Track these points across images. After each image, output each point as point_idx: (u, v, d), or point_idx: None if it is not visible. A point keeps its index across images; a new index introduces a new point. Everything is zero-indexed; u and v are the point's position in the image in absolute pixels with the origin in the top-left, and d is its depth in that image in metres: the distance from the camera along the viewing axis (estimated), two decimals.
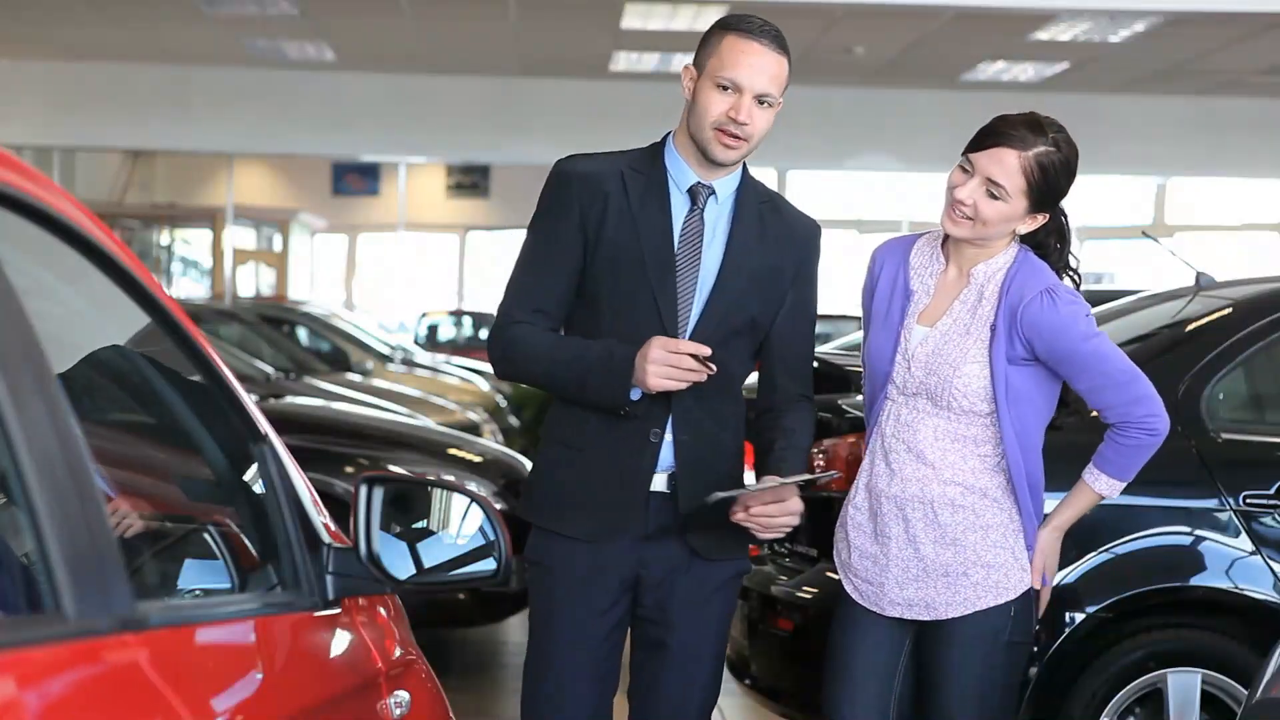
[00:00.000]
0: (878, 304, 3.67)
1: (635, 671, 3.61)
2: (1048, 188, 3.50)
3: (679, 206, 3.50)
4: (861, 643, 3.64)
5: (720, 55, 3.42)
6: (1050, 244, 3.63)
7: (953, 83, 17.70)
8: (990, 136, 3.51)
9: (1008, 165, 3.48)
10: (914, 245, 3.68)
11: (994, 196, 3.49)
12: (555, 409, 3.57)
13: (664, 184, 3.49)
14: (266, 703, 2.22)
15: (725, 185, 3.52)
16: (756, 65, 3.42)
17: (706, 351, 3.36)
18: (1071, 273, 3.65)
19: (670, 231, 3.47)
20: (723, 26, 3.47)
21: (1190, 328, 4.81)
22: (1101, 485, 3.62)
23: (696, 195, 3.50)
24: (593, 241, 3.46)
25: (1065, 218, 3.65)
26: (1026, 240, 3.62)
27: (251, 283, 26.66)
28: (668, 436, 3.48)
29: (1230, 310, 4.81)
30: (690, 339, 3.44)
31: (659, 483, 3.48)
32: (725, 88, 3.41)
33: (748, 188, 3.54)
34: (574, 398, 3.48)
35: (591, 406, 3.47)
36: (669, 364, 3.35)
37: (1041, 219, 3.56)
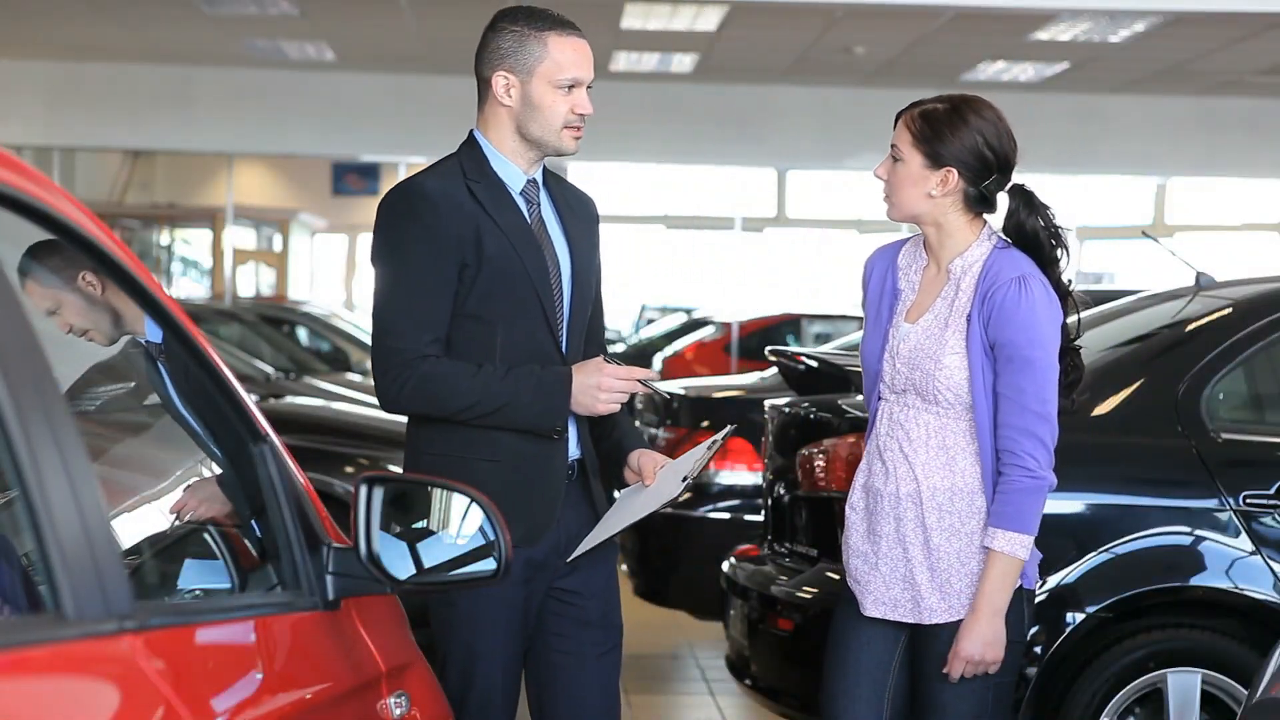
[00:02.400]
0: (869, 307, 3.72)
1: (556, 658, 3.61)
2: (934, 136, 3.56)
3: (522, 209, 3.58)
4: (855, 640, 3.67)
5: (553, 58, 3.53)
6: (1024, 230, 3.61)
7: (953, 83, 17.69)
8: None
9: (899, 126, 3.63)
10: (902, 248, 3.73)
11: (895, 159, 3.61)
12: (452, 430, 3.51)
13: (505, 189, 3.57)
14: (266, 703, 2.22)
15: (538, 174, 3.64)
16: (586, 59, 3.57)
17: (652, 375, 3.58)
18: (1057, 244, 3.61)
19: (534, 237, 3.56)
20: (535, 28, 3.54)
21: (1190, 328, 4.81)
22: (1000, 543, 3.49)
23: (529, 195, 3.60)
24: (475, 264, 3.48)
25: (1046, 210, 3.63)
26: (1014, 233, 3.62)
27: (251, 283, 26.65)
28: (570, 431, 3.60)
29: (1230, 310, 4.81)
30: (566, 334, 3.59)
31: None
32: (567, 88, 3.53)
33: (544, 171, 3.67)
34: (499, 425, 3.50)
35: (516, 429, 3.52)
36: (621, 390, 3.51)
37: (950, 177, 3.56)
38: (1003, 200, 3.66)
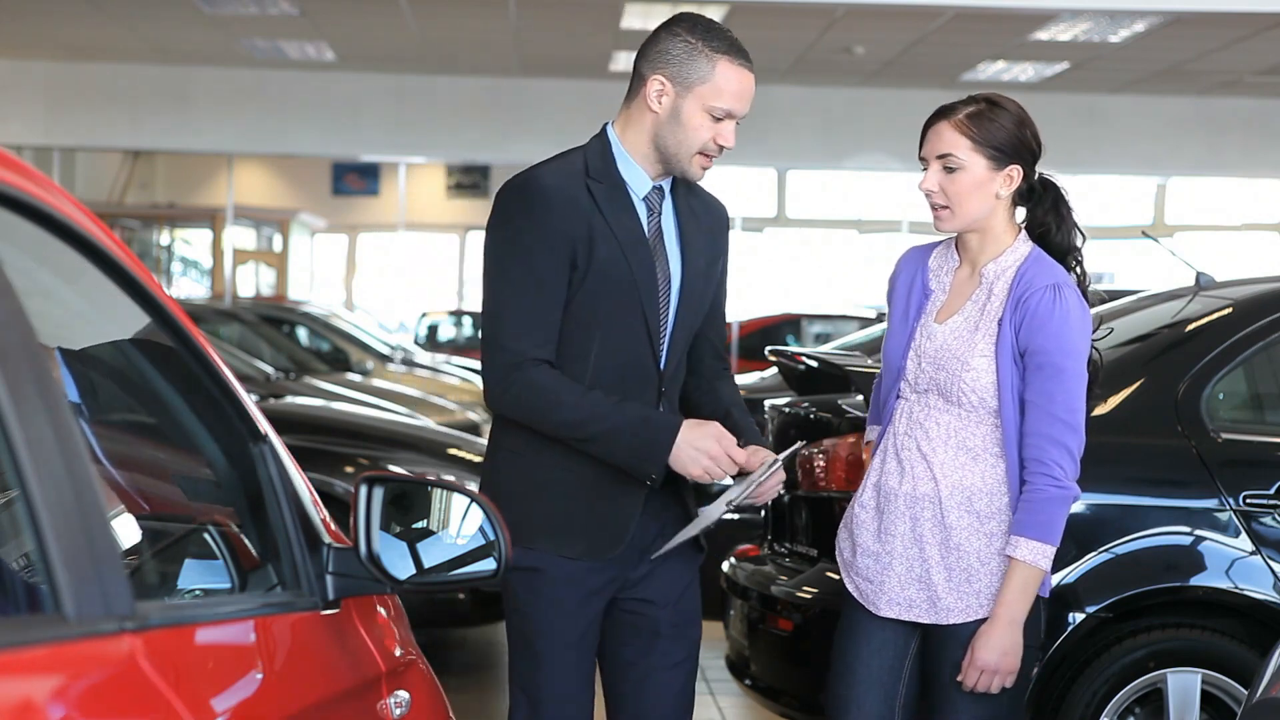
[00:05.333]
0: (896, 304, 3.69)
1: (624, 668, 3.56)
2: (993, 135, 3.53)
3: (641, 215, 3.48)
4: (866, 646, 3.63)
5: (717, 83, 3.41)
6: (1048, 222, 3.61)
7: (953, 83, 17.70)
8: (924, 128, 3.60)
9: (945, 135, 3.56)
10: (934, 250, 3.72)
11: (951, 169, 3.55)
12: (531, 433, 3.45)
13: (626, 193, 3.46)
14: (266, 703, 2.22)
15: (666, 182, 3.53)
16: (748, 94, 3.45)
17: (778, 465, 3.39)
18: (1077, 262, 3.62)
19: (648, 246, 3.46)
20: (710, 46, 3.42)
21: (1190, 328, 4.81)
22: (1024, 552, 3.48)
23: (651, 202, 3.50)
24: (584, 266, 3.39)
25: (1060, 191, 3.63)
26: (1035, 228, 3.61)
27: (251, 283, 26.67)
28: None
29: (1230, 310, 4.81)
30: (667, 349, 3.48)
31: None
32: (719, 116, 3.42)
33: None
34: (591, 452, 3.40)
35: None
36: (731, 470, 3.38)
37: (1015, 174, 3.55)
38: None
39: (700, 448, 3.38)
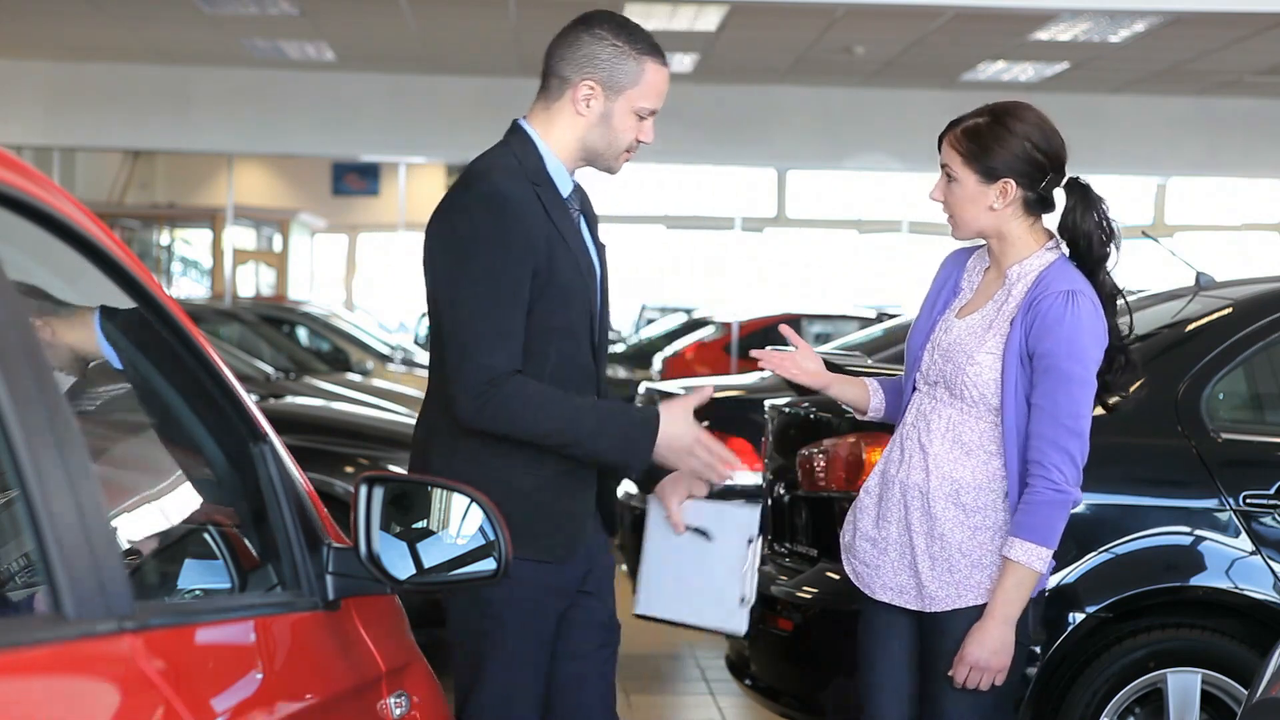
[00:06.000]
0: (927, 299, 3.75)
1: (564, 662, 3.54)
2: (982, 150, 3.56)
3: (573, 218, 3.48)
4: (875, 637, 3.70)
5: (645, 86, 3.44)
6: (1079, 229, 3.61)
7: (952, 83, 17.70)
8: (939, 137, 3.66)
9: (946, 147, 3.63)
10: (976, 251, 3.76)
11: (951, 179, 3.61)
12: (496, 441, 3.38)
13: (560, 196, 3.45)
14: (266, 703, 2.22)
15: (576, 178, 3.55)
16: (666, 90, 3.51)
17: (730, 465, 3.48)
18: (1106, 273, 3.63)
19: (588, 249, 3.48)
20: (635, 49, 3.44)
21: (1190, 328, 4.81)
22: (1018, 552, 3.49)
23: (572, 201, 3.49)
24: (545, 274, 3.36)
25: (1090, 202, 3.63)
26: (1068, 230, 3.63)
27: (251, 283, 26.67)
28: None
29: (1230, 310, 4.81)
30: (597, 350, 3.50)
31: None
32: (644, 116, 3.46)
33: None
34: (575, 455, 3.40)
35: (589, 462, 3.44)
36: (704, 461, 3.43)
37: (1009, 187, 3.57)
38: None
39: (686, 437, 3.41)
